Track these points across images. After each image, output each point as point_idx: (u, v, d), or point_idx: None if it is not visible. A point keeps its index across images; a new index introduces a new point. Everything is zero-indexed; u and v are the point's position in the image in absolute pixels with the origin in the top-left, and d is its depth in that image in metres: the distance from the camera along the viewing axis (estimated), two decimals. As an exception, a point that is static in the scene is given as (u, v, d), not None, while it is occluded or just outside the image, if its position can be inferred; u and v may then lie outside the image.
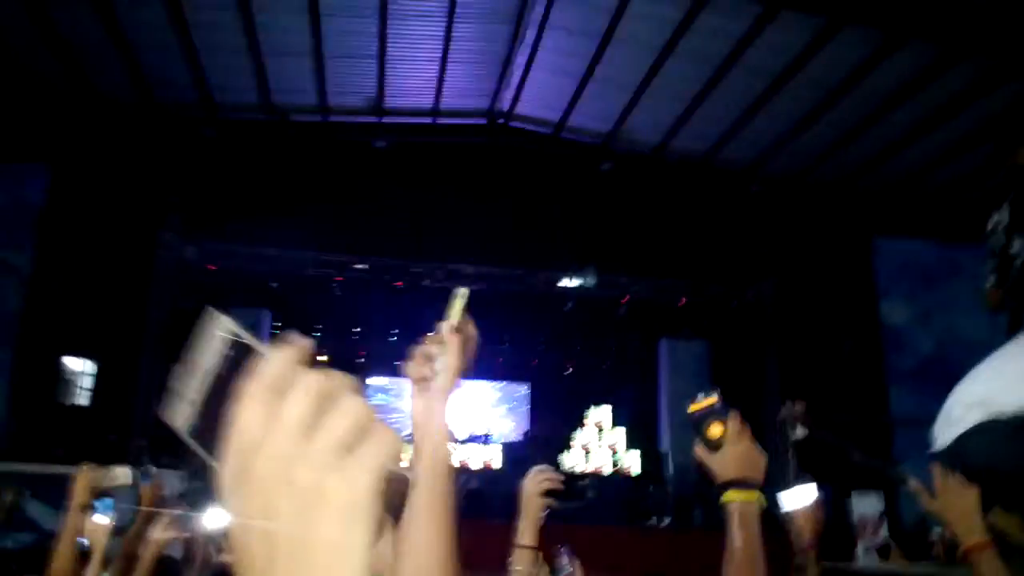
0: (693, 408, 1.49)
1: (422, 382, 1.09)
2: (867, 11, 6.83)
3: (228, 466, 0.46)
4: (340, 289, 9.98)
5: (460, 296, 1.10)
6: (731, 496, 1.41)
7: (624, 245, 9.68)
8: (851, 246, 9.44)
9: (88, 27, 7.51)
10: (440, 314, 1.08)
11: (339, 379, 0.47)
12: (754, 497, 1.40)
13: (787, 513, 2.43)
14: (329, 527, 0.45)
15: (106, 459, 2.77)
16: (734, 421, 1.45)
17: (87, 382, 8.93)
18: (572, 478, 9.41)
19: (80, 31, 7.63)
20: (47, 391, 8.49)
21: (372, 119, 9.57)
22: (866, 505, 7.03)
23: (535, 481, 1.80)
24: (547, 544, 1.73)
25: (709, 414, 1.46)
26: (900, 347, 8.73)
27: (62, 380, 8.69)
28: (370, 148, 9.58)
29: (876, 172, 9.22)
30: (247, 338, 0.54)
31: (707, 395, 1.48)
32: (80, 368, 8.88)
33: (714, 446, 1.45)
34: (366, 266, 9.81)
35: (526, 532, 1.73)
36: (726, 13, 7.17)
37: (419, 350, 1.10)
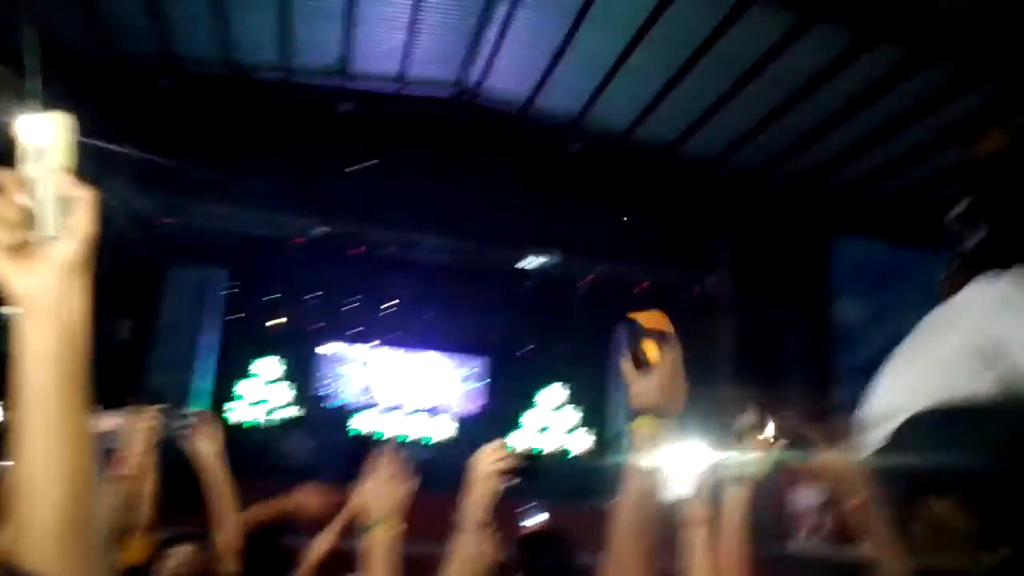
0: (634, 316, 1.36)
1: (19, 250, 0.78)
2: (837, 10, 6.88)
3: None
4: (298, 252, 9.80)
5: None
6: (642, 423, 1.32)
7: (587, 227, 9.67)
8: (808, 243, 9.59)
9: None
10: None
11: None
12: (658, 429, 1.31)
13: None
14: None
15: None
16: (674, 346, 1.34)
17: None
18: (528, 457, 9.45)
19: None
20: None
21: (337, 82, 9.35)
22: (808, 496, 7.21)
23: (488, 459, 1.72)
24: (501, 517, 1.67)
25: (650, 332, 1.34)
26: (851, 344, 8.92)
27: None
28: (334, 111, 9.37)
29: (836, 172, 9.35)
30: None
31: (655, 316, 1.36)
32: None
33: (644, 365, 1.33)
34: (326, 229, 9.64)
35: (472, 514, 1.65)
36: (698, 3, 7.16)
37: None
